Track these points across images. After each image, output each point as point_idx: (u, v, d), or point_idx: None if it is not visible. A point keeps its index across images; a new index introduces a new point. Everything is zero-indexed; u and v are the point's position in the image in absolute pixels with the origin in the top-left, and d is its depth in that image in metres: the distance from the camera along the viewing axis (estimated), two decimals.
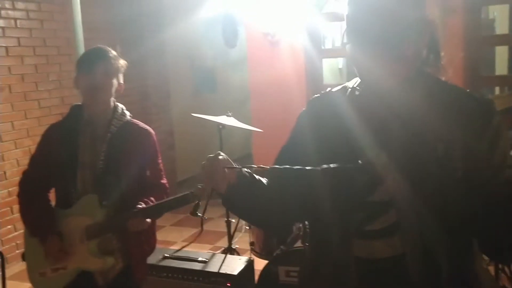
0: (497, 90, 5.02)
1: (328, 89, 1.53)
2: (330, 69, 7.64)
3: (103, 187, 2.13)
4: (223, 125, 3.55)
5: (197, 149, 7.33)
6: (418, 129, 1.26)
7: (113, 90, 2.17)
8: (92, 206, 2.13)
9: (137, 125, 2.29)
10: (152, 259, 3.01)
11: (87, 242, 2.13)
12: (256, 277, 2.92)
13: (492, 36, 5.40)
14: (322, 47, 5.31)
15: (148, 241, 2.32)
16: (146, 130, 2.30)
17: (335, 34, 8.15)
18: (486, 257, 1.55)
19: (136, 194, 2.19)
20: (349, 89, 1.44)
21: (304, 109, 1.56)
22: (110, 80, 2.13)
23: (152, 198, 2.21)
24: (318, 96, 1.55)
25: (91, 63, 2.12)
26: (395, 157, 1.26)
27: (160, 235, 5.17)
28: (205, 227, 5.40)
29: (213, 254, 3.10)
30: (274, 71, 5.10)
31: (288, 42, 5.00)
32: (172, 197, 2.13)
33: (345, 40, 1.33)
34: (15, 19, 4.66)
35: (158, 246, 4.25)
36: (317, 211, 1.39)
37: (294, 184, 1.39)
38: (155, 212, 2.15)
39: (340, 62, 9.07)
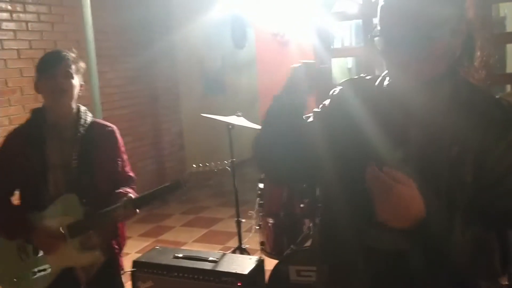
0: (508, 88, 4.97)
1: (362, 75, 1.52)
2: (340, 69, 7.62)
3: (78, 187, 2.18)
4: (233, 125, 3.55)
5: (207, 149, 7.35)
6: (436, 130, 1.24)
7: (75, 91, 2.21)
8: (71, 205, 2.17)
9: (101, 123, 2.37)
10: (162, 259, 3.03)
11: (71, 240, 2.17)
12: (267, 277, 2.92)
13: (503, 34, 5.35)
14: (332, 47, 5.30)
15: (121, 232, 2.41)
16: (111, 128, 2.38)
17: (344, 34, 8.14)
18: None
19: (110, 188, 2.28)
20: (379, 79, 1.41)
21: (340, 87, 1.50)
22: (71, 82, 2.17)
23: (128, 189, 2.29)
24: (354, 79, 1.52)
25: (52, 66, 2.15)
26: (409, 156, 1.25)
27: (170, 236, 5.22)
28: (216, 227, 5.43)
29: (224, 254, 3.10)
30: (283, 71, 5.08)
31: (297, 42, 4.99)
32: (162, 186, 2.22)
33: (376, 32, 1.30)
34: (27, 22, 4.71)
35: (169, 246, 4.30)
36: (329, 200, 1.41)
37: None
38: (145, 201, 2.22)
39: (349, 62, 9.05)
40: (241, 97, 7.58)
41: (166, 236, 5.22)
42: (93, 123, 2.31)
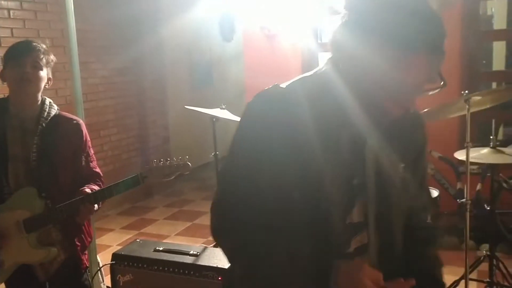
0: (494, 85, 4.99)
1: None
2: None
3: (38, 180, 2.13)
4: (217, 118, 3.51)
5: (192, 143, 7.30)
6: (389, 147, 1.23)
7: (42, 83, 2.16)
8: (30, 198, 2.11)
9: (66, 117, 2.30)
10: (143, 252, 2.98)
11: (27, 235, 2.11)
12: None
13: (490, 31, 5.37)
14: (319, 41, 5.28)
15: (87, 230, 2.34)
16: (76, 121, 2.32)
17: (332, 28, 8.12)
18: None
19: (73, 184, 2.21)
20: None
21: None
22: (39, 73, 2.13)
23: (92, 186, 2.23)
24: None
25: (20, 55, 2.11)
26: (365, 183, 1.23)
27: (153, 229, 5.17)
28: (199, 221, 5.39)
29: (205, 248, 3.06)
30: (270, 65, 5.07)
31: (285, 36, 4.96)
32: (120, 180, 2.16)
33: None
34: (9, 10, 4.61)
35: (152, 239, 4.26)
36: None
37: None
38: (104, 196, 2.16)
39: None
40: (229, 90, 7.53)
41: (149, 229, 5.17)
42: (57, 116, 2.25)
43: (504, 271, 3.14)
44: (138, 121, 6.67)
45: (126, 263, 2.89)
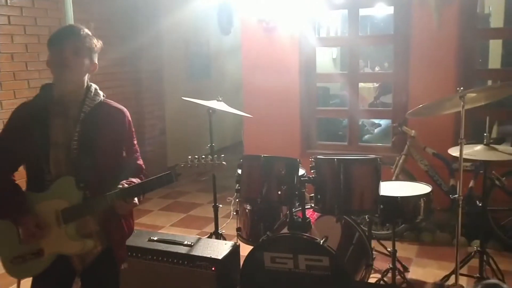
0: (489, 83, 5.02)
1: None
2: (325, 58, 7.62)
3: (78, 169, 2.07)
4: (213, 110, 3.52)
5: (188, 134, 7.32)
6: None
7: (84, 69, 2.10)
8: (68, 188, 2.07)
9: (111, 104, 2.22)
10: (137, 242, 3.01)
11: (65, 226, 2.08)
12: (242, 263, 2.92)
13: (487, 29, 5.40)
14: (317, 36, 5.29)
15: (127, 223, 2.26)
16: (120, 109, 2.23)
17: (331, 23, 8.12)
18: None
19: (113, 175, 2.14)
20: None
21: None
22: (79, 58, 2.06)
23: (132, 179, 2.16)
24: None
25: (60, 40, 2.05)
26: None
27: (148, 220, 5.18)
28: (194, 212, 5.41)
29: (199, 239, 3.09)
30: (267, 58, 5.08)
31: (283, 29, 4.96)
32: (154, 177, 2.10)
33: None
34: None
35: (146, 229, 4.28)
36: None
37: None
38: (138, 192, 2.09)
39: (334, 52, 9.05)
40: (226, 83, 7.54)
41: (144, 220, 5.18)
42: (101, 103, 2.17)
43: (494, 267, 3.18)
44: (135, 112, 6.66)
45: None
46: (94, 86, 2.20)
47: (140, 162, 2.30)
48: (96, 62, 2.15)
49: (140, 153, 2.34)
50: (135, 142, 2.29)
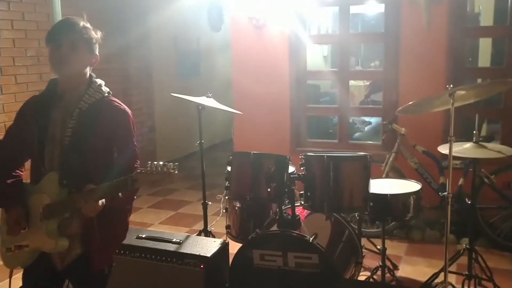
0: (479, 82, 5.04)
1: None
2: (315, 56, 7.60)
3: (67, 165, 2.03)
4: (203, 106, 3.49)
5: (178, 132, 7.28)
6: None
7: (84, 63, 2.06)
8: (52, 184, 2.04)
9: (112, 102, 2.13)
10: (125, 239, 2.97)
11: (47, 222, 2.04)
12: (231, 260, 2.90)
13: (476, 28, 5.42)
14: (308, 33, 5.27)
15: (119, 231, 2.21)
16: (122, 109, 2.12)
17: (321, 21, 8.11)
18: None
19: (101, 174, 2.00)
20: None
21: None
22: (76, 52, 2.01)
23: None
24: None
25: (57, 36, 2.01)
26: None
27: (137, 217, 5.14)
28: (183, 210, 5.38)
29: (188, 236, 3.07)
30: (257, 55, 5.05)
31: (273, 26, 4.94)
32: (110, 182, 1.91)
33: None
34: None
35: (135, 227, 4.23)
36: None
37: None
38: (97, 195, 1.92)
39: (325, 49, 9.05)
40: (216, 80, 7.50)
41: (133, 217, 5.06)
42: (102, 100, 2.09)
43: (483, 264, 3.19)
44: None
45: None
46: (99, 82, 2.14)
47: (137, 165, 2.12)
48: (97, 53, 2.10)
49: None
50: (135, 144, 2.15)
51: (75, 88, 2.09)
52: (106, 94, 2.14)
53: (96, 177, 2.01)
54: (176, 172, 1.85)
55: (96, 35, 2.10)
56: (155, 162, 1.84)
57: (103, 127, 2.07)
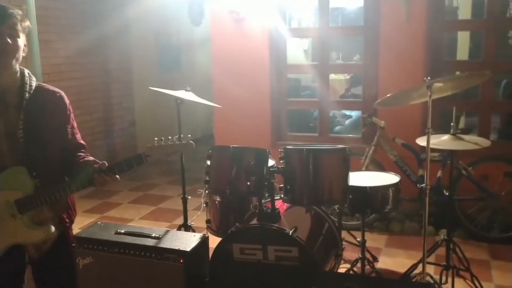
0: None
1: None
2: (296, 49, 7.60)
3: (27, 158, 2.02)
4: (182, 100, 3.46)
5: (159, 126, 7.20)
6: None
7: (20, 52, 2.02)
8: (20, 178, 2.01)
9: (48, 88, 2.17)
10: (104, 235, 2.93)
11: (21, 216, 2.02)
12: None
13: (455, 21, 5.47)
14: (288, 27, 5.26)
15: (74, 206, 2.29)
16: (58, 92, 2.19)
17: (302, 14, 8.10)
18: None
19: (60, 159, 2.14)
20: None
21: None
22: (17, 42, 1.98)
23: (89, 158, 2.18)
24: None
25: None
26: None
27: (117, 213, 5.10)
28: (163, 205, 5.35)
29: (167, 231, 3.03)
30: (238, 49, 5.03)
31: (254, 20, 4.92)
32: (125, 159, 2.09)
33: None
34: None
35: (115, 222, 4.19)
36: None
37: None
38: (113, 170, 2.07)
39: (306, 43, 9.05)
40: (196, 74, 7.46)
41: (112, 213, 5.10)
42: (39, 88, 2.11)
43: (460, 255, 3.23)
44: (103, 103, 6.54)
45: (86, 246, 2.82)
46: (26, 70, 2.13)
47: (82, 141, 2.29)
48: (26, 43, 2.07)
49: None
50: (75, 123, 2.27)
51: (11, 80, 2.06)
52: (37, 82, 2.14)
53: (56, 162, 2.12)
54: (192, 142, 2.14)
55: (28, 24, 2.07)
56: (169, 137, 2.11)
57: (52, 114, 2.11)
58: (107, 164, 2.08)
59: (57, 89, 2.21)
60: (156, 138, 2.10)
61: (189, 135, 2.18)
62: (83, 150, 2.26)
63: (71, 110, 2.24)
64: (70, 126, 2.20)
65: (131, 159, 2.09)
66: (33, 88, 2.08)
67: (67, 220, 2.21)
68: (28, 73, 2.12)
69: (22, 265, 2.18)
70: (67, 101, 2.21)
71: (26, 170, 2.01)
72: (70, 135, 2.20)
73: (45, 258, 2.14)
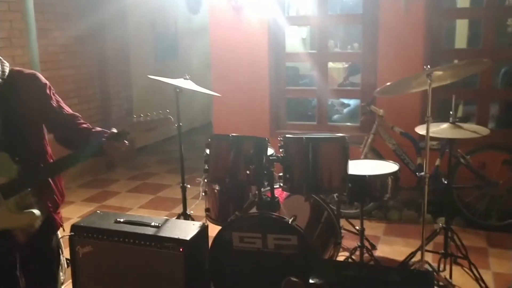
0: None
1: None
2: (294, 38, 7.57)
3: (7, 143, 2.03)
4: (180, 89, 3.44)
5: None
6: None
7: None
8: (3, 163, 2.02)
9: (21, 72, 2.15)
10: (103, 224, 2.94)
11: (5, 202, 2.03)
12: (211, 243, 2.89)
13: (453, 9, 5.44)
14: (286, 15, 5.23)
15: (60, 190, 2.29)
16: (33, 74, 2.18)
17: (300, 2, 8.05)
18: None
19: (40, 141, 2.16)
20: None
21: None
22: None
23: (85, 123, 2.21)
24: None
25: None
26: None
27: (116, 202, 5.10)
28: (162, 193, 5.35)
29: (167, 220, 3.04)
30: (236, 37, 5.00)
31: (252, 8, 4.89)
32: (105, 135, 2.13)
33: None
34: None
35: (114, 211, 4.20)
36: None
37: None
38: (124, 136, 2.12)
39: (304, 31, 9.01)
40: (194, 63, 7.42)
41: (111, 202, 5.10)
42: (12, 72, 2.10)
43: (458, 243, 3.24)
44: (101, 92, 6.50)
45: (85, 235, 2.84)
46: None
47: (73, 112, 2.27)
48: None
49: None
50: (60, 101, 2.23)
51: None
52: (9, 66, 2.13)
53: (36, 145, 2.15)
54: (170, 116, 2.15)
55: None
56: (142, 114, 2.12)
57: (28, 97, 2.10)
58: (116, 131, 2.12)
59: (32, 71, 2.20)
60: (135, 115, 2.14)
61: (168, 110, 2.20)
62: (79, 119, 2.26)
63: (52, 88, 2.21)
64: (54, 102, 2.18)
65: (112, 135, 2.11)
66: (6, 73, 2.07)
67: (50, 205, 2.21)
68: (0, 59, 2.11)
69: (12, 251, 2.17)
70: (44, 80, 2.19)
71: (8, 155, 2.02)
72: (57, 109, 2.19)
73: (31, 242, 2.15)
